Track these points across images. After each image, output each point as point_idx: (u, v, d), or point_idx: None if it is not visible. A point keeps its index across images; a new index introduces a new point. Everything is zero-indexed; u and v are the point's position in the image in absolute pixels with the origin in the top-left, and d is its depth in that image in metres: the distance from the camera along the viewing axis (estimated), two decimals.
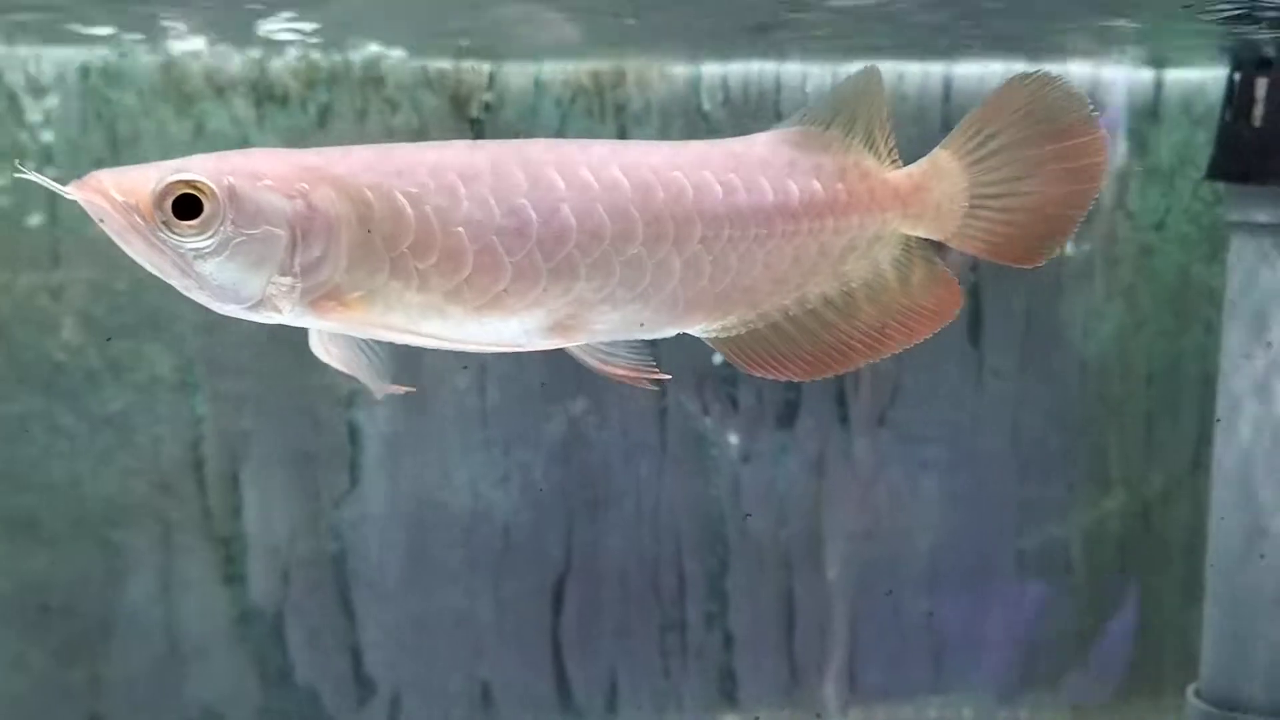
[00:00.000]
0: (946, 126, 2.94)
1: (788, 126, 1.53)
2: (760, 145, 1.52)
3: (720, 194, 1.47)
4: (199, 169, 1.34)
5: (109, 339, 2.69)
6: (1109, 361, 3.14)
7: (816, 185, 1.51)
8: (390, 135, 2.74)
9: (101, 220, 1.33)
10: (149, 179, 1.33)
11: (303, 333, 1.47)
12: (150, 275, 1.45)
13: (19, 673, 2.82)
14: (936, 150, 1.53)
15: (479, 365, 2.87)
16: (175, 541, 2.85)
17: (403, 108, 2.78)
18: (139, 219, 1.32)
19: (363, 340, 1.50)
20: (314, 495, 2.89)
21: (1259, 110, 2.55)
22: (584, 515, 3.00)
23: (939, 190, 1.52)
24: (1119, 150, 3.04)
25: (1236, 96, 2.58)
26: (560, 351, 1.51)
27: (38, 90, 2.65)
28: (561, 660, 3.04)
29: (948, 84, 2.95)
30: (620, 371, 1.47)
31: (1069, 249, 3.06)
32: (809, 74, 2.88)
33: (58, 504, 2.78)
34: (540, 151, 1.44)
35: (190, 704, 2.89)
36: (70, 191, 1.32)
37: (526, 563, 2.99)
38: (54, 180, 1.34)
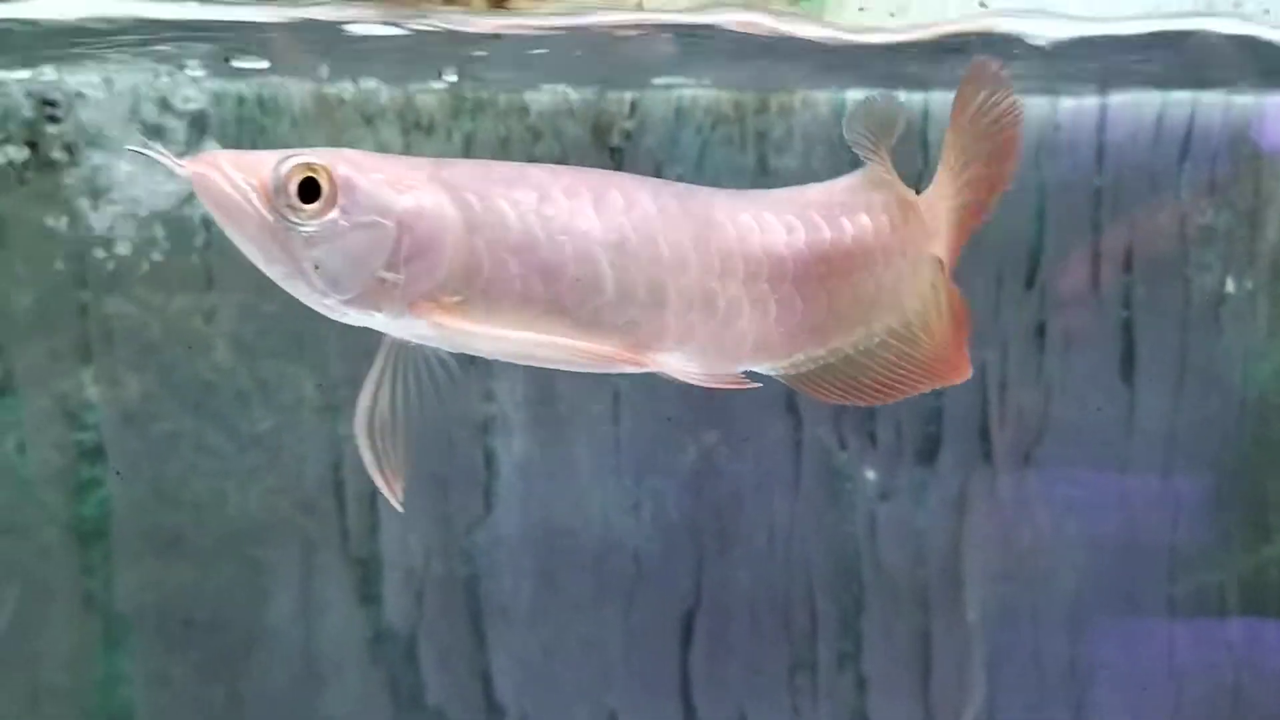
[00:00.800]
0: (1100, 158, 2.88)
1: (859, 173, 1.58)
2: (818, 190, 1.58)
3: (784, 236, 1.51)
4: (317, 156, 1.36)
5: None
6: (1269, 402, 3.00)
7: (866, 221, 1.54)
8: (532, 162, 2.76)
9: (211, 198, 1.34)
10: (269, 160, 1.35)
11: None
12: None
13: (162, 687, 2.90)
14: (939, 171, 1.58)
15: (613, 393, 2.87)
16: (315, 561, 2.90)
17: (545, 136, 2.80)
18: (254, 199, 1.33)
19: (398, 436, 1.53)
20: (448, 519, 2.92)
21: None
22: (715, 547, 2.97)
23: (945, 206, 1.58)
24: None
25: None
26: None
27: (194, 116, 2.74)
28: (689, 694, 3.01)
29: (1102, 114, 2.87)
30: (714, 382, 1.50)
31: (1230, 286, 2.94)
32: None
33: (204, 521, 2.86)
34: (629, 181, 1.49)
35: None
36: (185, 167, 1.35)
37: (656, 593, 2.97)
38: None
